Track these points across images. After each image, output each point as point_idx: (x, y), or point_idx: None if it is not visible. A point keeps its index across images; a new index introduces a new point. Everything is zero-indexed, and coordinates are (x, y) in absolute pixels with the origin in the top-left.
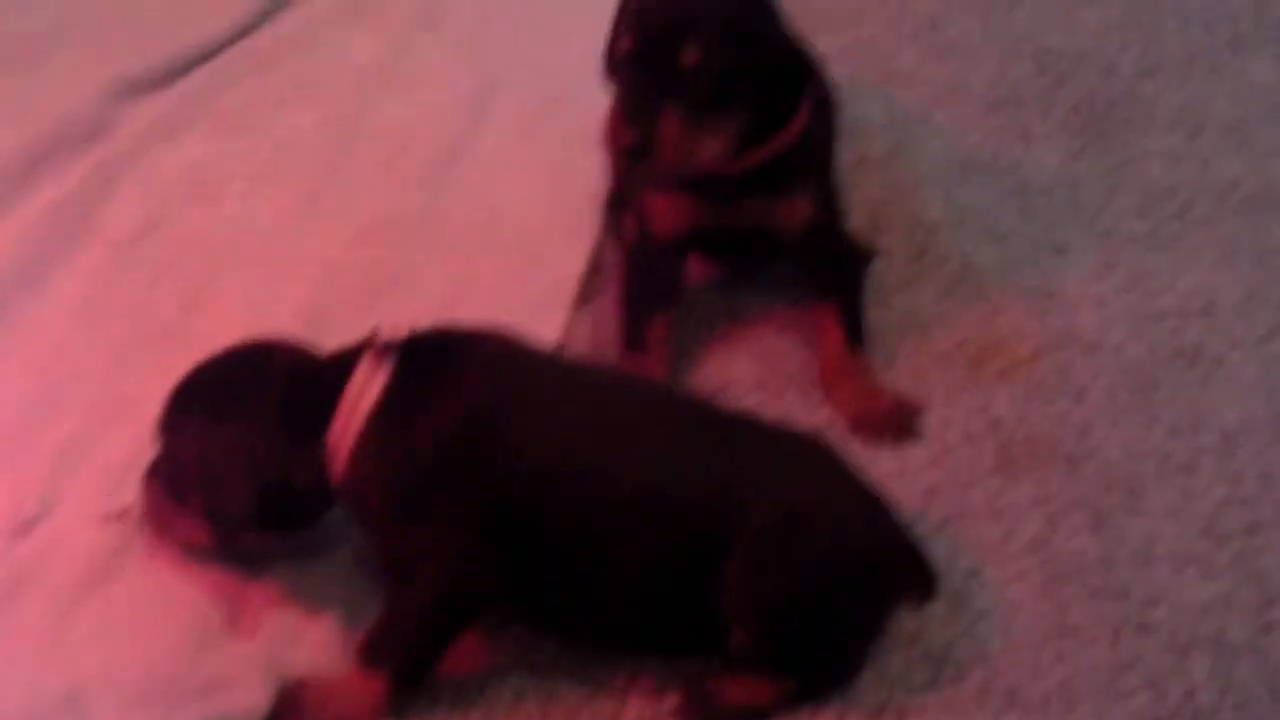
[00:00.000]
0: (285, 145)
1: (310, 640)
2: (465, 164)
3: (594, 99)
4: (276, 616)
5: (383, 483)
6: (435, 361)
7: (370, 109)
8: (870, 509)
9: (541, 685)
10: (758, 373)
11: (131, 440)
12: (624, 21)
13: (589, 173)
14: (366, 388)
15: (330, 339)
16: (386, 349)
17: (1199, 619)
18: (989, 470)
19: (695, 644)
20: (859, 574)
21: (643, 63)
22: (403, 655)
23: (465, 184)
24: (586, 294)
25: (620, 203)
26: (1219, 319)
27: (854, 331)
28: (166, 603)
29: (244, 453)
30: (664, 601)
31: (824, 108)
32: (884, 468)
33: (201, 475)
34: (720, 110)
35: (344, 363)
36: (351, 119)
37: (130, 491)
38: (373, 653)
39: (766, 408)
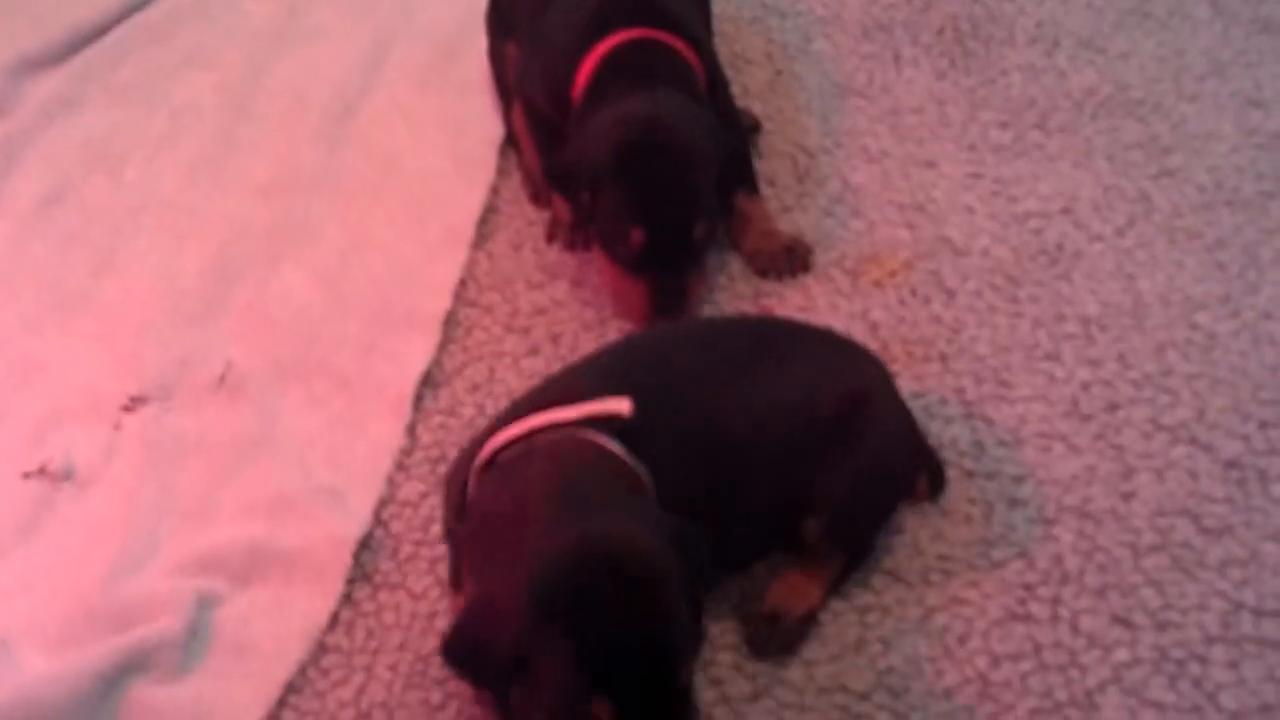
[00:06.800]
0: (184, 110)
1: (229, 568)
2: (361, 117)
3: (482, 53)
4: (193, 547)
5: None
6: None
7: (266, 70)
8: (906, 413)
9: None
10: None
11: (45, 401)
12: (625, 215)
13: (482, 119)
14: None
15: (238, 293)
16: None
17: (1064, 492)
18: None
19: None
20: (907, 461)
21: (658, 248)
22: None
23: (362, 136)
24: (485, 232)
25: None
26: (1078, 216)
27: (750, 183)
28: (85, 548)
29: None
30: (770, 514)
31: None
32: None
33: None
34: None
35: None
36: (248, 81)
37: (46, 449)
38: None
39: None
